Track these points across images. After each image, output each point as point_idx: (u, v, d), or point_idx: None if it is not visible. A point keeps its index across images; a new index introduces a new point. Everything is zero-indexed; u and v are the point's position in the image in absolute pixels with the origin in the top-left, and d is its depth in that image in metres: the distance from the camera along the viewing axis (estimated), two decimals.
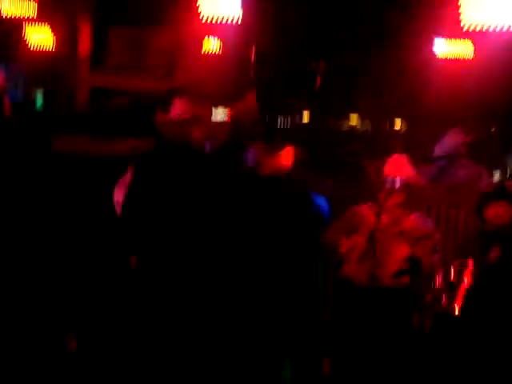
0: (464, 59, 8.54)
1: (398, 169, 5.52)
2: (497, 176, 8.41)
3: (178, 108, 5.38)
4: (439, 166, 6.94)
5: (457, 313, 5.05)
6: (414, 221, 5.49)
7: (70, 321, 5.67)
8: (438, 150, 7.17)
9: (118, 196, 5.35)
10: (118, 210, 5.27)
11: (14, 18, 9.27)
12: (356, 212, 5.74)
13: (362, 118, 10.45)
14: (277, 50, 9.93)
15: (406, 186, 5.48)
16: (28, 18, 9.21)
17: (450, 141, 7.15)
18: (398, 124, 10.01)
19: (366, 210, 5.65)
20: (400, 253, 5.33)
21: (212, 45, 9.48)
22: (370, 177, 5.68)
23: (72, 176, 6.53)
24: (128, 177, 5.31)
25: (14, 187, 6.38)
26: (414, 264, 5.27)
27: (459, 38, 8.46)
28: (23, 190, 6.35)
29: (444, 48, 8.56)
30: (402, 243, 5.36)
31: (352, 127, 10.71)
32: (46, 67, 10.06)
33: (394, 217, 5.45)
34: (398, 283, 5.28)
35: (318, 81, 9.99)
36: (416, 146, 7.91)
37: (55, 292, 5.75)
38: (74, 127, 8.21)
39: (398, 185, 5.42)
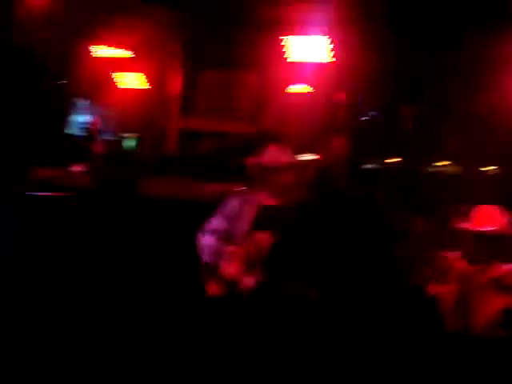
0: None
1: (488, 219, 5.40)
2: None
3: (270, 154, 5.39)
4: None
5: None
6: (506, 269, 5.36)
7: None
8: None
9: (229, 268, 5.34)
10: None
11: (109, 62, 9.50)
12: (445, 258, 5.62)
13: (452, 161, 10.30)
14: (367, 94, 9.91)
15: (497, 235, 5.34)
16: (122, 64, 9.43)
17: None
18: (489, 168, 9.82)
19: (456, 258, 5.53)
20: (495, 304, 5.17)
21: (299, 87, 9.52)
22: (458, 224, 5.57)
23: (159, 220, 6.60)
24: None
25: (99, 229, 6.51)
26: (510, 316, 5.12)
27: None
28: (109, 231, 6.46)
29: None
30: (497, 294, 5.22)
31: (441, 170, 10.57)
32: (137, 111, 10.26)
33: (487, 263, 5.33)
34: (494, 335, 5.12)
35: (410, 125, 9.93)
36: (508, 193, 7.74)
37: None
38: (163, 169, 8.31)
39: (487, 233, 5.29)
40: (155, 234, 6.40)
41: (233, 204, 5.57)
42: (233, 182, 5.98)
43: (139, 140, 10.65)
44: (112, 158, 9.05)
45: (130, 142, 10.75)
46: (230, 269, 5.30)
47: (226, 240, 5.46)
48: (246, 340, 5.01)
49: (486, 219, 5.37)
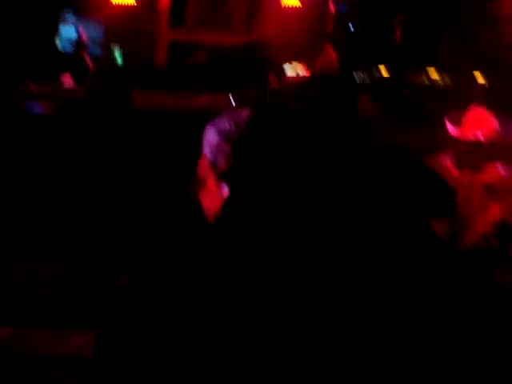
0: None
1: (480, 121, 5.43)
2: None
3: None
4: None
5: None
6: (497, 171, 5.36)
7: None
8: None
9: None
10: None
11: None
12: (436, 163, 5.61)
13: (441, 72, 10.26)
14: (355, 3, 9.83)
15: (488, 140, 5.38)
16: None
17: None
18: (480, 79, 9.80)
19: (446, 161, 5.53)
20: (490, 216, 5.18)
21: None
22: (449, 128, 5.57)
23: (153, 131, 6.59)
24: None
25: (95, 142, 6.49)
26: (505, 231, 5.13)
27: None
28: (105, 144, 6.45)
29: None
30: (491, 203, 5.23)
31: (432, 81, 10.54)
32: (125, 23, 10.15)
33: (476, 168, 5.36)
34: (486, 246, 5.16)
35: (398, 33, 9.86)
36: (500, 102, 7.75)
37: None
38: (153, 83, 8.27)
39: (479, 138, 5.33)
40: (151, 147, 6.41)
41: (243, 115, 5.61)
42: (222, 93, 5.97)
43: (127, 53, 10.56)
44: (102, 71, 9.00)
45: (118, 55, 10.67)
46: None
47: (229, 140, 5.50)
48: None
49: (478, 123, 5.40)
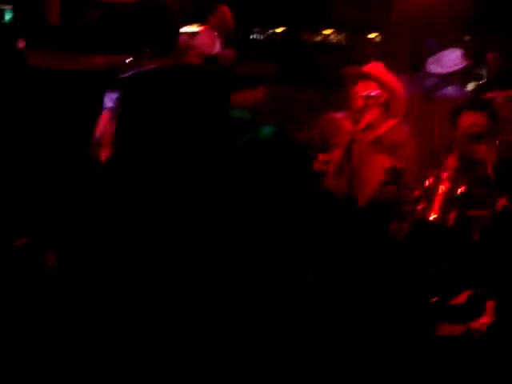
0: None
1: (376, 75, 5.49)
2: (471, 87, 8.43)
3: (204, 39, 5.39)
4: (427, 86, 6.86)
5: (431, 219, 5.12)
6: (390, 128, 5.49)
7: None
8: (434, 66, 6.97)
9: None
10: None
11: None
12: (331, 119, 5.70)
13: (336, 31, 10.39)
14: None
15: (385, 93, 5.45)
16: None
17: (449, 61, 6.95)
18: (370, 36, 9.95)
19: (342, 118, 5.62)
20: (380, 164, 5.31)
21: None
22: (347, 84, 5.62)
23: (47, 90, 6.48)
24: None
25: None
26: (396, 175, 5.27)
27: None
28: None
29: None
30: (381, 154, 5.37)
31: (325, 38, 10.64)
32: None
33: (371, 122, 5.46)
34: (384, 197, 5.28)
35: None
36: (393, 56, 7.89)
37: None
38: (45, 42, 8.09)
39: (376, 92, 5.40)
40: (45, 106, 6.30)
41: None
42: (117, 53, 5.90)
43: (17, 11, 10.29)
44: None
45: (7, 14, 10.39)
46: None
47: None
48: None
49: (373, 76, 5.49)
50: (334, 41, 10.50)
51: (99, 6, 9.38)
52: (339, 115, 5.68)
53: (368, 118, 5.46)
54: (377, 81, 5.42)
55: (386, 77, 5.49)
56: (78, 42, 7.89)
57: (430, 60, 7.00)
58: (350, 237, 5.27)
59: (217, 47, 5.48)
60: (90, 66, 6.79)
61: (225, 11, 7.24)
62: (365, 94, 5.40)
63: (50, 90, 6.42)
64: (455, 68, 6.89)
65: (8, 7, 10.24)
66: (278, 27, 10.65)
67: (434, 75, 6.93)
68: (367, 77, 5.46)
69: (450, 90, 6.82)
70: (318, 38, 10.67)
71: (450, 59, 6.93)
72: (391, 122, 5.52)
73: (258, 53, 9.87)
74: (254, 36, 10.70)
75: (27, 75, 6.61)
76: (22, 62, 6.90)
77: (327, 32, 10.51)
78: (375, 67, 5.55)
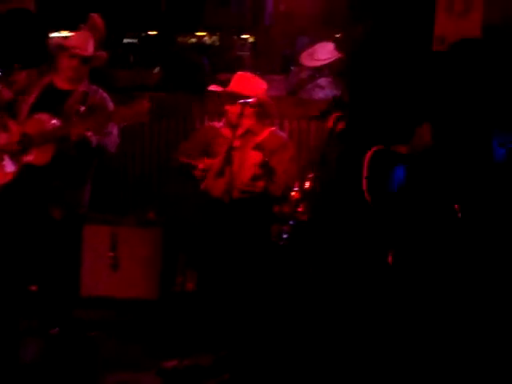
0: None
1: (246, 86, 5.58)
2: None
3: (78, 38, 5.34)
4: (297, 79, 6.93)
5: (307, 220, 5.25)
6: (268, 134, 5.62)
7: None
8: (308, 60, 7.03)
9: None
10: None
11: None
12: (210, 129, 5.81)
13: (210, 34, 10.41)
14: None
15: (258, 101, 5.56)
16: None
17: (323, 54, 7.05)
18: (244, 37, 10.02)
19: (221, 126, 5.73)
20: (252, 159, 5.46)
21: None
22: (219, 95, 5.71)
23: None
24: None
25: None
26: (267, 170, 5.39)
27: None
28: None
29: None
30: (255, 152, 5.51)
31: (199, 39, 10.65)
32: None
33: (249, 129, 5.56)
34: (254, 188, 5.41)
35: None
36: (265, 57, 7.98)
37: None
38: None
39: (249, 101, 5.47)
40: None
41: (21, 77, 5.46)
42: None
43: None
44: None
45: None
46: None
47: (5, 111, 5.38)
48: None
49: (246, 85, 5.58)
50: (208, 42, 10.53)
51: None
52: (218, 124, 5.78)
53: (245, 125, 5.55)
54: (242, 97, 5.49)
55: (252, 90, 5.55)
56: None
57: (304, 54, 7.06)
58: (225, 234, 5.33)
59: (90, 48, 5.44)
60: None
61: (95, 19, 7.19)
62: (241, 101, 5.47)
63: None
64: (328, 60, 6.98)
65: None
66: (151, 30, 10.61)
67: (307, 68, 6.99)
68: (233, 95, 5.53)
69: (322, 82, 6.94)
70: (193, 40, 10.68)
71: (323, 52, 7.03)
72: (269, 129, 5.65)
73: (134, 57, 9.85)
74: (128, 40, 10.63)
75: None
76: None
77: (201, 34, 10.53)
78: (240, 81, 5.59)
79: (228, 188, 5.40)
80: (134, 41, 10.63)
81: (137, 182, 6.79)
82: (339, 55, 6.96)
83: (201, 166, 5.56)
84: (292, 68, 7.50)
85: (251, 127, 5.62)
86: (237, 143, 5.51)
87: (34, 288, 5.54)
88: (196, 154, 5.66)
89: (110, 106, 5.44)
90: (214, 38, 10.45)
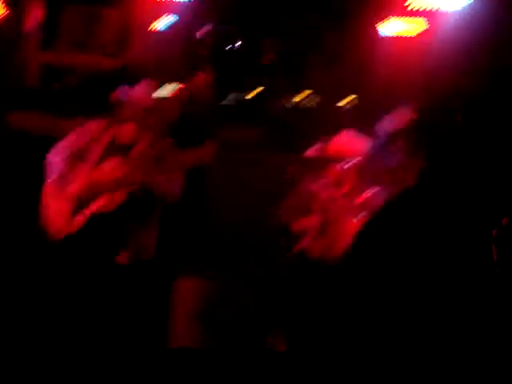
0: (415, 37, 8.61)
1: (347, 145, 5.54)
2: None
3: (142, 89, 5.42)
4: (379, 143, 6.96)
5: None
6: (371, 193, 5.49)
7: None
8: (384, 125, 7.14)
9: None
10: None
11: None
12: (309, 189, 5.71)
13: (311, 94, 10.49)
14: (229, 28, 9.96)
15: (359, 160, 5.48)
16: None
17: (397, 117, 7.17)
18: (346, 101, 10.06)
19: (319, 188, 5.65)
20: (351, 227, 5.32)
21: (164, 23, 9.48)
22: (319, 154, 5.68)
23: (28, 152, 6.51)
24: None
25: None
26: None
27: (408, 15, 8.56)
28: None
29: (393, 27, 8.66)
30: (354, 218, 5.36)
31: (297, 103, 10.73)
32: None
33: (348, 190, 5.47)
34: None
35: (271, 58, 10.03)
36: (365, 123, 7.98)
37: None
38: (23, 103, 8.16)
39: (350, 162, 5.43)
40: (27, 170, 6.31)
41: (92, 127, 5.60)
42: (93, 116, 5.94)
43: None
44: None
45: None
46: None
47: (75, 160, 5.47)
48: None
49: (347, 146, 5.56)
50: (307, 106, 10.62)
51: (76, 71, 9.50)
52: (317, 185, 5.64)
53: (348, 184, 5.46)
54: (347, 152, 5.45)
55: (357, 146, 5.51)
56: (54, 105, 7.96)
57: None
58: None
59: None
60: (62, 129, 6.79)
61: (203, 76, 7.33)
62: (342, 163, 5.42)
63: (30, 152, 6.44)
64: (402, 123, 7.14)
65: None
66: (252, 90, 10.77)
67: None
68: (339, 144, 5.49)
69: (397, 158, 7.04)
70: (294, 102, 10.80)
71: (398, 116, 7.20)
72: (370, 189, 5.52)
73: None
74: (228, 101, 10.81)
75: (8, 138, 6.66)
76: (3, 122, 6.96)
77: (302, 96, 10.64)
78: (346, 136, 5.56)
79: (328, 251, 5.29)
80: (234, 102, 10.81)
81: (231, 235, 6.83)
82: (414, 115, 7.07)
83: (297, 225, 5.49)
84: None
85: (351, 187, 5.52)
86: (341, 203, 5.43)
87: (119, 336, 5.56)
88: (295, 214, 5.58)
89: (176, 151, 5.47)
90: (316, 100, 10.54)
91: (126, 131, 5.48)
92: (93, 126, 5.59)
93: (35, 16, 10.11)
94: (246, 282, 6.00)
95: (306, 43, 9.55)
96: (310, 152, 5.75)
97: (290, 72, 9.90)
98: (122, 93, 5.48)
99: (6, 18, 9.83)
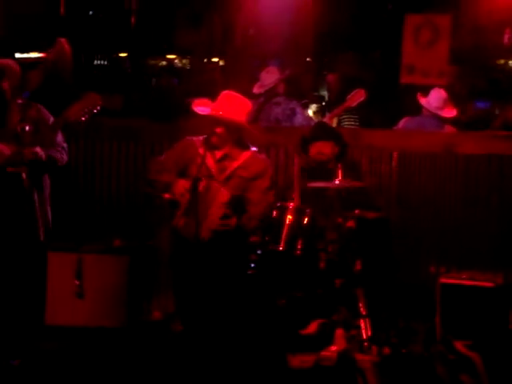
0: None
1: (236, 110, 5.38)
2: (313, 109, 8.64)
3: None
4: (257, 105, 7.04)
5: (281, 249, 5.19)
6: (249, 157, 5.40)
7: None
8: (256, 88, 7.30)
9: None
10: None
11: None
12: (190, 146, 5.51)
13: (181, 56, 10.38)
14: None
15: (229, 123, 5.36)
16: None
17: (267, 79, 7.30)
18: (215, 59, 10.00)
19: (199, 147, 5.42)
20: (221, 198, 5.25)
21: None
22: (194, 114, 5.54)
23: None
24: None
25: None
26: (237, 206, 5.25)
27: None
28: None
29: None
30: (222, 189, 5.27)
31: (169, 62, 10.61)
32: None
33: (227, 158, 5.37)
34: (226, 227, 5.24)
35: (133, 19, 9.87)
36: (234, 81, 7.97)
37: None
38: None
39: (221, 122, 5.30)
40: None
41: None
42: None
43: None
44: None
45: None
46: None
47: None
48: None
49: (235, 108, 5.40)
50: (179, 65, 10.50)
51: None
52: (198, 139, 5.47)
53: (225, 149, 5.35)
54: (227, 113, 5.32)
55: (241, 114, 5.38)
56: None
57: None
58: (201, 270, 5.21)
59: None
60: None
61: (63, 43, 7.16)
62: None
63: None
64: (273, 84, 7.29)
65: None
66: (121, 52, 10.57)
67: (258, 96, 7.26)
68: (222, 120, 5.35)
69: (278, 99, 7.21)
70: (163, 63, 10.66)
71: (267, 77, 7.37)
72: (249, 151, 5.42)
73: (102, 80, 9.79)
74: (98, 61, 10.58)
75: None
76: None
77: (171, 56, 10.50)
78: (228, 102, 5.41)
79: (197, 229, 5.18)
80: (104, 63, 10.60)
81: (103, 207, 6.70)
82: (282, 76, 7.17)
83: (166, 196, 5.39)
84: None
85: (229, 151, 5.42)
86: (214, 169, 5.35)
87: None
88: (171, 172, 5.41)
89: (48, 115, 5.31)
90: (185, 61, 10.43)
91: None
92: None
93: None
94: (119, 256, 5.93)
95: (169, 4, 9.40)
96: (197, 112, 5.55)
97: (157, 34, 9.72)
98: None
99: None
